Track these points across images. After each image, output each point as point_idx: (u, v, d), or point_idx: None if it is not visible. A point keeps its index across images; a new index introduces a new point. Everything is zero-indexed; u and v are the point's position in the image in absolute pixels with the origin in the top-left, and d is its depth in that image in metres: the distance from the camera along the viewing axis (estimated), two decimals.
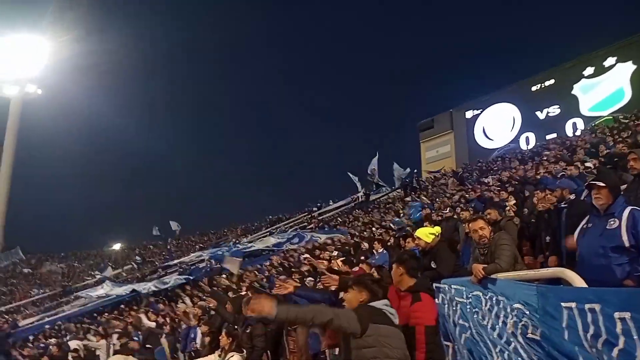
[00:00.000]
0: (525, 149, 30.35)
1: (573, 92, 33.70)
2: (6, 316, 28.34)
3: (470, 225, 4.70)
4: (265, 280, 12.63)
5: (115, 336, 11.17)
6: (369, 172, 33.76)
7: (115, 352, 10.22)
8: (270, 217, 40.66)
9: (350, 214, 27.23)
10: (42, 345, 16.43)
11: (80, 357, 11.30)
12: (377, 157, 33.62)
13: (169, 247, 45.02)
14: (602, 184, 3.57)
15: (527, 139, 35.80)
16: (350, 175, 34.84)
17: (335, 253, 11.66)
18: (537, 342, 2.94)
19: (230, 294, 10.50)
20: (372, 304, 2.95)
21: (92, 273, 39.24)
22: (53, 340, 14.38)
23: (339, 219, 27.18)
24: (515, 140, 36.77)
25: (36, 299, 34.12)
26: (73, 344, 12.51)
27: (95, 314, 20.92)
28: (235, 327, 6.29)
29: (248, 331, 6.40)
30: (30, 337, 19.79)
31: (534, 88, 36.75)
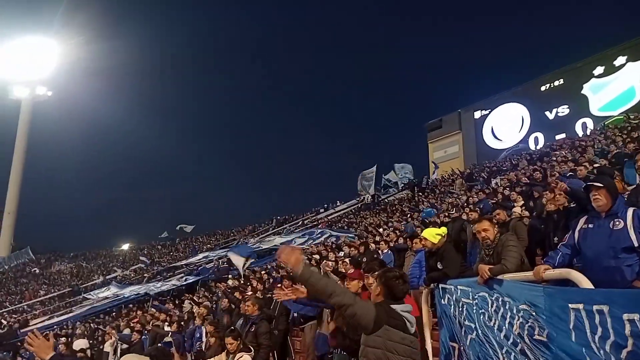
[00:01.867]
0: (534, 149, 30.15)
1: (583, 91, 33.41)
2: (15, 315, 28.59)
3: (475, 226, 4.67)
4: (270, 280, 12.61)
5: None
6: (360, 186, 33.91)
7: (123, 352, 10.30)
8: (278, 217, 40.68)
9: (357, 215, 27.18)
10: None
11: (87, 356, 11.35)
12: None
13: (177, 247, 45.23)
14: (600, 185, 3.53)
15: (536, 139, 35.56)
16: (366, 176, 34.08)
17: (341, 253, 11.62)
18: (543, 343, 2.90)
19: (237, 294, 10.50)
20: (394, 306, 2.87)
21: (101, 274, 39.55)
22: (62, 339, 14.45)
23: (345, 219, 27.12)
24: (524, 140, 36.54)
25: (45, 298, 34.36)
26: (80, 343, 12.57)
27: (103, 315, 21.03)
28: (232, 327, 6.28)
29: (252, 330, 6.37)
30: None
31: (543, 88, 36.48)
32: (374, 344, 2.68)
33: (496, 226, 4.53)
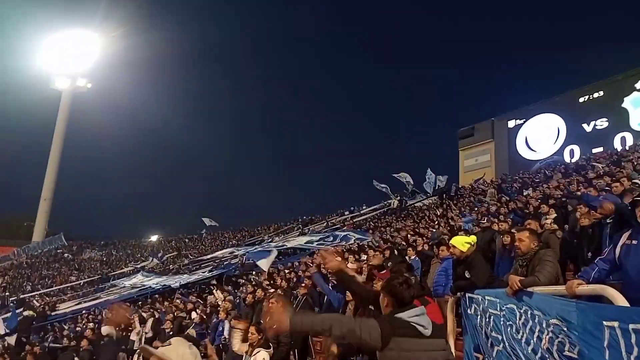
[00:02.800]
0: (569, 162, 29.35)
1: (623, 105, 32.39)
2: (47, 298, 29.56)
3: (517, 233, 4.57)
4: (295, 279, 12.67)
5: (149, 324, 11.49)
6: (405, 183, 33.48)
7: (147, 341, 10.51)
8: (304, 217, 40.78)
9: (382, 219, 27.02)
10: (78, 329, 17.03)
11: (113, 340, 11.63)
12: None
13: (203, 241, 45.91)
14: None
15: (571, 151, 34.64)
16: (376, 184, 33.87)
17: (364, 257, 11.56)
18: None
19: (259, 291, 10.57)
20: (399, 314, 2.84)
21: (130, 263, 40.45)
22: (90, 324, 14.88)
23: (371, 223, 27.00)
24: (559, 152, 35.64)
25: (75, 284, 35.36)
26: (107, 328, 12.87)
27: (130, 303, 21.51)
28: (260, 321, 6.32)
29: None
30: (68, 321, 20.55)
31: (581, 99, 35.50)
32: (389, 357, 2.65)
33: (536, 240, 4.34)
